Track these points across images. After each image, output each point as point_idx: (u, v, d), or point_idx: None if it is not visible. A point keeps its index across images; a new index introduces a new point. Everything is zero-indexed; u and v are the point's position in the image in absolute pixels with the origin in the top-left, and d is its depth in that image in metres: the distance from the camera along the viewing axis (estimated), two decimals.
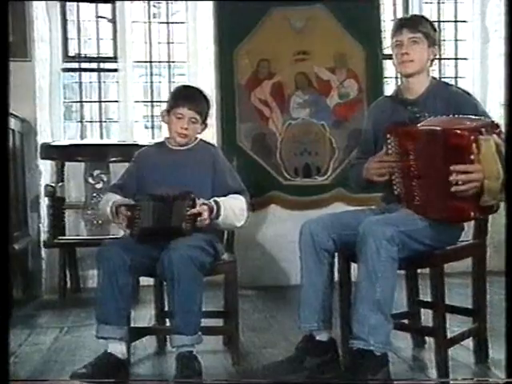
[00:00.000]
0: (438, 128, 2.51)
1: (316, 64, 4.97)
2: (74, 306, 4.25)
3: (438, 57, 2.95)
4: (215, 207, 2.81)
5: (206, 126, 3.02)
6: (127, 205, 2.79)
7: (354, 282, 2.67)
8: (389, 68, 5.10)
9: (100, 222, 4.67)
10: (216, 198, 2.85)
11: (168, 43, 5.45)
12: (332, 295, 2.75)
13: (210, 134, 4.74)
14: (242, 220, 2.93)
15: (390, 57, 2.94)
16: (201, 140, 3.06)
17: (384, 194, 2.90)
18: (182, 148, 2.99)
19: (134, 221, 2.74)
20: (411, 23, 2.83)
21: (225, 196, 2.88)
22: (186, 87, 3.27)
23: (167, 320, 3.16)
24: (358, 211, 2.95)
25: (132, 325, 2.86)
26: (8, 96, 1.62)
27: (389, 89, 5.18)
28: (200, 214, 2.75)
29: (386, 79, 5.21)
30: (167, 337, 3.03)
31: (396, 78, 5.12)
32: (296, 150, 5.02)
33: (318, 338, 2.73)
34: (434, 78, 2.92)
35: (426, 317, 3.01)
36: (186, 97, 2.95)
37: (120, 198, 2.87)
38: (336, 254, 2.78)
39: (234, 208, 2.87)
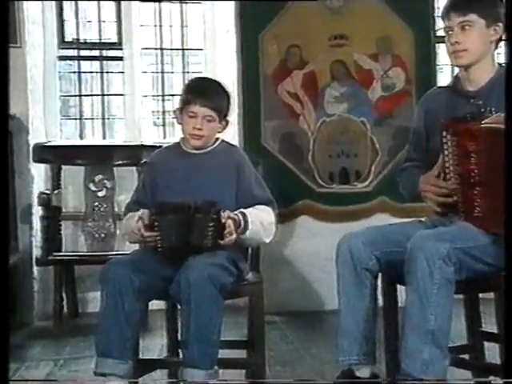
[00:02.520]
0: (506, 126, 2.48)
1: (355, 50, 4.98)
2: (71, 335, 4.28)
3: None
4: (242, 220, 2.83)
5: (227, 123, 3.03)
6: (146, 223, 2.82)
7: (401, 308, 2.65)
8: (442, 53, 5.06)
9: (103, 235, 4.69)
10: (243, 210, 2.86)
11: (181, 26, 5.49)
12: (375, 323, 2.74)
13: (231, 133, 4.75)
14: (271, 235, 2.95)
15: (444, 39, 2.90)
16: (223, 141, 3.07)
17: (437, 204, 2.87)
18: (200, 151, 3.00)
19: (156, 238, 2.78)
20: (460, 3, 2.77)
21: (250, 207, 2.90)
22: (198, 80, 3.28)
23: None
24: (405, 224, 2.93)
25: (140, 356, 2.87)
26: (8, 95, 1.64)
27: (443, 78, 5.15)
28: (224, 230, 2.77)
29: (439, 67, 5.18)
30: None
31: (452, 64, 5.07)
32: (331, 151, 5.01)
33: (358, 373, 2.72)
34: (500, 65, 2.88)
35: (492, 352, 2.97)
36: (198, 92, 2.95)
37: (145, 211, 2.88)
38: (380, 275, 2.77)
39: (262, 221, 2.88)
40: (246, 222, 2.84)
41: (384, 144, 4.99)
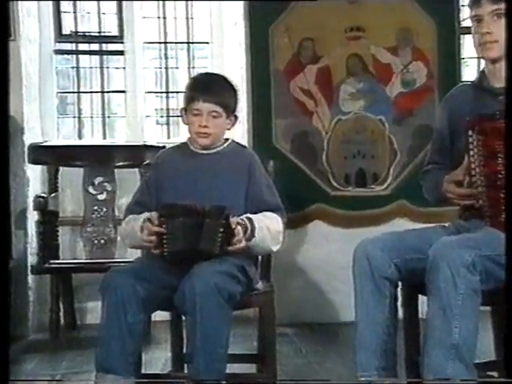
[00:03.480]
0: None
1: (373, 43, 4.97)
2: (68, 348, 4.28)
3: None
4: (249, 226, 2.83)
5: (236, 118, 3.04)
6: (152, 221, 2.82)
7: (423, 320, 2.65)
8: (468, 45, 5.04)
9: (103, 241, 4.69)
10: (249, 216, 2.87)
11: (187, 18, 5.49)
12: (396, 336, 2.73)
13: (240, 132, 4.76)
14: (279, 244, 2.96)
15: (469, 30, 2.89)
16: (233, 141, 3.09)
17: (461, 208, 2.87)
18: (208, 151, 3.01)
19: (162, 241, 2.77)
20: None
21: (258, 213, 2.90)
22: (200, 76, 3.30)
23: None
24: (426, 230, 2.92)
25: (142, 371, 2.87)
26: (8, 93, 1.65)
27: (468, 73, 5.12)
28: (233, 236, 2.77)
29: (463, 60, 5.16)
30: None
31: (478, 58, 5.05)
32: (347, 152, 5.01)
33: None
34: None
35: None
36: (201, 87, 2.97)
37: (153, 212, 2.88)
38: (399, 284, 2.76)
39: (269, 228, 2.88)
40: (252, 228, 2.84)
41: (403, 144, 4.98)
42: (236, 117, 3.04)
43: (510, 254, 2.05)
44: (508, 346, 2.03)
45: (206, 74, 3.50)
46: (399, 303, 2.78)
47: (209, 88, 2.96)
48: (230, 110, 2.99)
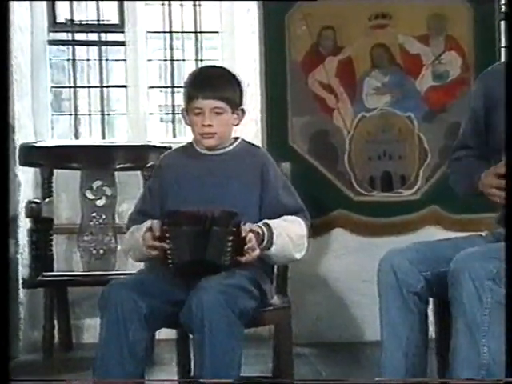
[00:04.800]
0: None
1: (401, 32, 4.96)
2: (63, 370, 4.28)
3: None
4: (267, 234, 2.84)
5: (243, 112, 3.06)
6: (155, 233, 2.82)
7: None
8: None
9: (102, 251, 4.70)
10: (267, 221, 2.88)
11: (194, 6, 5.50)
12: (426, 356, 2.73)
13: (254, 131, 4.76)
14: (302, 251, 2.97)
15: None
16: (243, 141, 3.10)
17: (501, 214, 2.86)
18: (216, 152, 3.03)
19: (166, 253, 2.78)
20: None
21: (277, 218, 2.90)
22: (197, 71, 3.31)
23: None
24: (461, 239, 2.93)
25: None
26: (8, 89, 1.68)
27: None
28: (245, 245, 2.77)
29: (503, 49, 5.13)
30: None
31: None
32: (372, 152, 5.00)
33: None
34: None
35: None
36: (198, 83, 2.99)
37: (155, 221, 2.88)
38: (430, 300, 2.76)
39: (290, 234, 2.89)
40: (270, 235, 2.84)
41: (435, 143, 4.96)
42: (243, 110, 3.05)
43: (510, 257, 2.06)
44: (508, 345, 2.04)
45: (204, 67, 3.54)
46: (430, 321, 2.78)
47: (208, 83, 2.97)
48: (235, 104, 3.01)
